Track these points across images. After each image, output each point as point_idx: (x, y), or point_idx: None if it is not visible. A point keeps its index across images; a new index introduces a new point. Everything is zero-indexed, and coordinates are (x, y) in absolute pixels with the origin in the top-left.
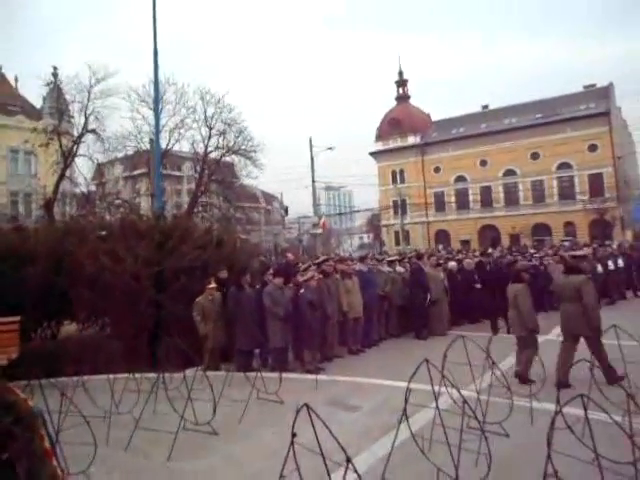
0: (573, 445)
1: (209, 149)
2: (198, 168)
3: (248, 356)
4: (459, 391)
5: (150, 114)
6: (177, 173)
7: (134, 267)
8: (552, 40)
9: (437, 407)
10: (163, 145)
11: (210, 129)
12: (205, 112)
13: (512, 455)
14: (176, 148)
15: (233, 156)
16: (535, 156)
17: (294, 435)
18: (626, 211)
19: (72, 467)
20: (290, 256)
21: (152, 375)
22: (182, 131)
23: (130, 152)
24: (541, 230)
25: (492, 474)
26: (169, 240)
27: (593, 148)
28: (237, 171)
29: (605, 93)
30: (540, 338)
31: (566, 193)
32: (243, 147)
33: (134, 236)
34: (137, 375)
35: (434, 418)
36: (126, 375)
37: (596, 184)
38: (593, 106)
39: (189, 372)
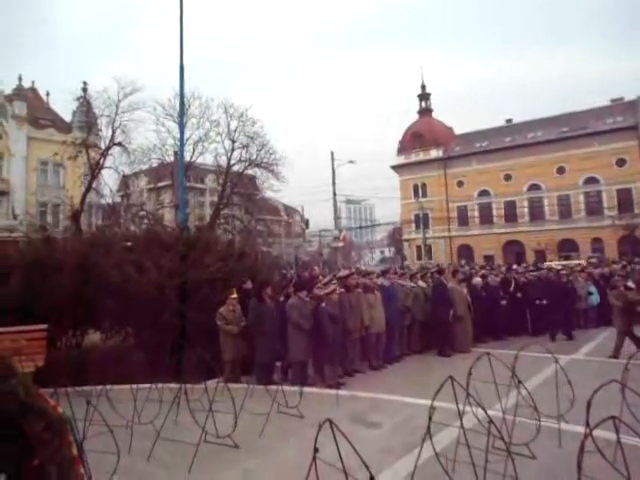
0: (604, 470)
1: (232, 162)
2: (221, 180)
3: (268, 369)
4: (485, 410)
5: (175, 127)
6: (200, 185)
7: (158, 278)
8: (579, 53)
9: (462, 426)
10: (187, 158)
11: (233, 142)
12: (228, 125)
13: (539, 478)
14: (200, 161)
15: (255, 169)
16: (561, 170)
17: (316, 450)
18: None
19: (95, 475)
20: (316, 269)
21: (174, 386)
22: (206, 144)
23: (154, 164)
24: (567, 246)
25: None
26: (192, 251)
27: (621, 163)
28: (259, 184)
29: (633, 106)
30: (567, 357)
31: (593, 208)
32: (265, 160)
33: (158, 247)
34: (159, 385)
35: (458, 437)
36: (148, 385)
37: (625, 199)
38: (621, 120)
39: (210, 383)
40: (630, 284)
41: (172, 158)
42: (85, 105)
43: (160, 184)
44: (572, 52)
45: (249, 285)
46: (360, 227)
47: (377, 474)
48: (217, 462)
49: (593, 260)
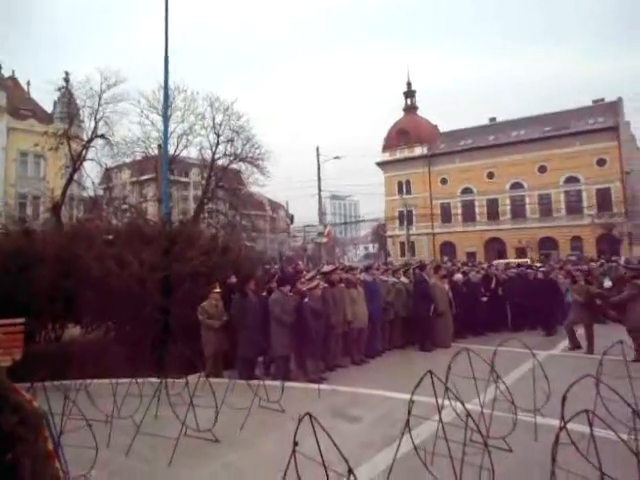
0: (577, 462)
1: (216, 156)
2: (205, 174)
3: (251, 364)
4: (463, 404)
5: (159, 120)
6: (184, 179)
7: (140, 272)
8: (564, 53)
9: (440, 420)
10: (171, 151)
11: (218, 136)
12: (214, 119)
13: (515, 471)
14: (184, 154)
15: (240, 163)
16: (542, 169)
17: (296, 444)
18: (634, 227)
19: (73, 470)
20: (300, 264)
21: (155, 380)
22: (190, 137)
23: (138, 157)
24: (548, 244)
25: None
26: (175, 245)
27: (601, 162)
28: (244, 178)
29: (614, 107)
30: (544, 353)
31: (573, 207)
32: (250, 155)
33: (140, 241)
34: (140, 380)
35: (437, 431)
36: (129, 380)
37: (604, 199)
38: (602, 120)
39: (191, 378)
40: (607, 282)
41: (156, 151)
42: (67, 96)
43: (143, 177)
44: (559, 53)
45: (233, 279)
46: (345, 223)
47: (357, 467)
48: (197, 456)
49: (572, 258)
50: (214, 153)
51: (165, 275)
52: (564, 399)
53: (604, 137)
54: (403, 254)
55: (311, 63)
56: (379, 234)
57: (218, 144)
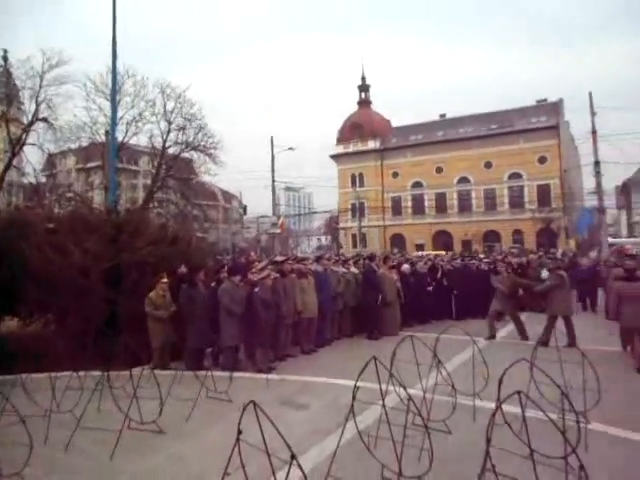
0: (511, 441)
1: (167, 144)
2: (155, 163)
3: (199, 355)
4: (405, 389)
5: (107, 105)
6: (133, 167)
7: (83, 261)
8: (511, 54)
9: (384, 405)
10: (119, 138)
11: (169, 124)
12: (165, 106)
13: (453, 451)
14: (133, 141)
15: (192, 152)
16: (488, 165)
17: (240, 432)
18: (570, 221)
19: (6, 467)
20: (252, 255)
21: (97, 373)
22: (140, 124)
23: (84, 143)
24: (492, 237)
25: (433, 469)
26: (121, 234)
27: (543, 160)
28: (196, 168)
29: (555, 108)
30: (485, 340)
31: (516, 202)
32: (203, 143)
33: (84, 229)
34: (81, 373)
35: (381, 416)
36: (69, 373)
37: (544, 194)
38: (544, 119)
39: (136, 370)
40: (544, 273)
41: (103, 137)
42: (5, 75)
43: (90, 165)
44: (506, 54)
45: (183, 270)
46: (298, 215)
47: (303, 454)
48: (141, 448)
49: (514, 250)
50: (165, 141)
51: (111, 265)
52: (500, 382)
53: (546, 136)
54: (355, 246)
55: (263, 52)
56: (332, 226)
57: (169, 132)
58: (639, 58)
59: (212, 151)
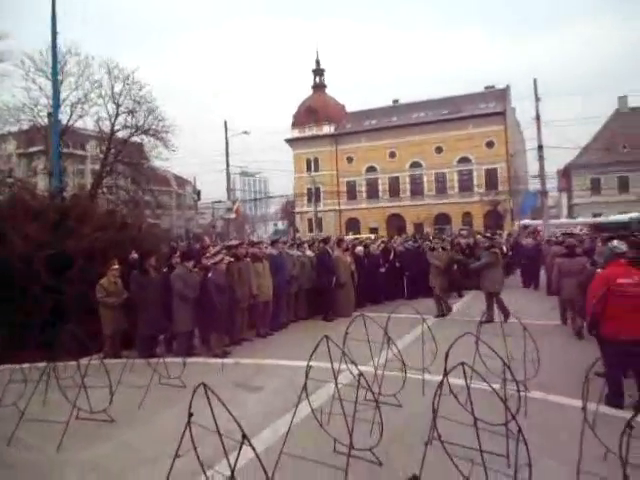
0: (457, 411)
1: (116, 127)
2: (103, 147)
3: (151, 342)
4: (356, 366)
5: (48, 85)
6: (80, 152)
7: (24, 248)
8: (464, 40)
9: (336, 382)
10: (63, 120)
11: (118, 106)
12: (112, 87)
13: (403, 423)
14: (79, 125)
15: (142, 136)
16: (439, 150)
17: (190, 415)
18: (515, 204)
19: None
20: (206, 240)
21: (43, 365)
22: (86, 107)
23: (25, 126)
24: (442, 219)
25: (384, 441)
26: (66, 220)
27: (490, 145)
28: (146, 152)
29: (503, 94)
30: (434, 318)
31: (465, 186)
32: (153, 127)
33: (25, 215)
34: (25, 365)
35: (334, 393)
36: (10, 365)
37: (491, 178)
38: (492, 106)
39: (85, 360)
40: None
41: (46, 120)
42: None
43: (32, 149)
44: (458, 40)
45: (134, 256)
46: (254, 199)
47: (258, 434)
48: (90, 438)
49: (463, 232)
50: (113, 124)
51: (55, 252)
52: (447, 356)
53: (493, 121)
54: (311, 230)
55: (217, 35)
56: (288, 211)
57: (117, 115)
58: (585, 46)
59: (163, 135)
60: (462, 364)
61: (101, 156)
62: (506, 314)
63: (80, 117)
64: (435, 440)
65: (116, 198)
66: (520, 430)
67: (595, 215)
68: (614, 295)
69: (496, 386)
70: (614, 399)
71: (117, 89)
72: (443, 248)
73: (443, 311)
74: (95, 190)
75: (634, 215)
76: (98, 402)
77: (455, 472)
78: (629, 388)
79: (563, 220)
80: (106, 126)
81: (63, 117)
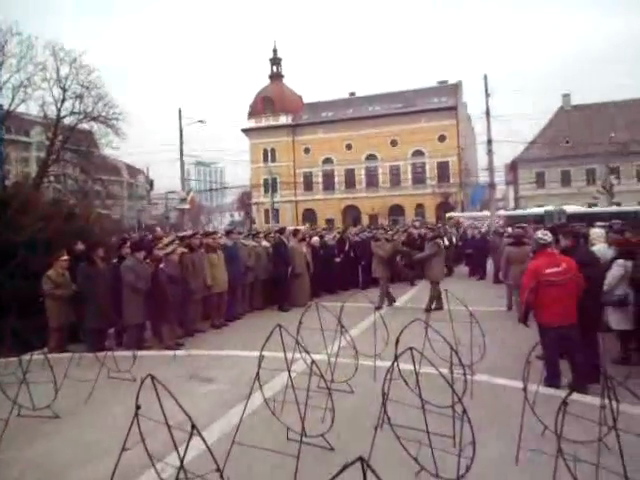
0: (407, 395)
1: (63, 113)
2: (49, 134)
3: (100, 335)
4: (309, 354)
5: None
6: (24, 139)
7: None
8: (420, 31)
9: (289, 371)
10: (4, 105)
11: (64, 91)
12: (58, 71)
13: (355, 408)
14: (22, 109)
15: (92, 123)
16: (394, 143)
17: (138, 407)
18: (466, 196)
19: None
20: (159, 231)
21: None
22: (29, 90)
23: None
24: (396, 211)
25: (335, 426)
26: (6, 211)
27: (442, 138)
28: (96, 140)
29: (454, 89)
30: (386, 306)
31: (418, 178)
32: (103, 114)
33: None
34: None
35: (287, 382)
36: None
37: (443, 171)
38: (444, 100)
39: (29, 355)
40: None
41: None
42: None
43: None
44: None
45: (80, 247)
46: (210, 190)
47: (210, 424)
48: (32, 435)
49: (416, 223)
50: (59, 110)
51: None
52: (397, 342)
53: (445, 116)
54: (268, 221)
55: (171, 20)
56: (244, 202)
57: (64, 100)
58: (533, 43)
59: (114, 122)
60: (410, 349)
61: (47, 143)
62: (440, 303)
63: (23, 101)
64: (385, 424)
65: (63, 187)
66: (465, 411)
67: (539, 207)
68: (543, 285)
69: (444, 370)
70: (552, 380)
71: (63, 73)
72: (387, 239)
73: (387, 302)
74: (40, 179)
75: (549, 208)
76: (42, 398)
77: (404, 454)
78: (566, 371)
79: (478, 213)
80: (52, 112)
81: (4, 101)
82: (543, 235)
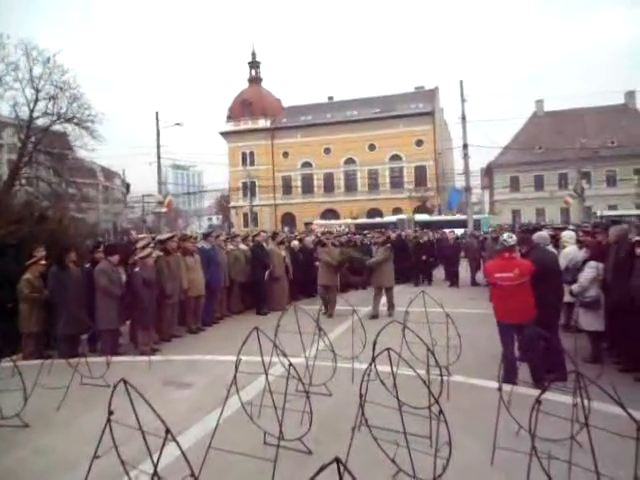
0: (385, 396)
1: (35, 114)
2: (21, 135)
3: (73, 341)
4: (286, 357)
5: None
6: None
7: None
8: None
9: (266, 374)
10: None
11: (37, 91)
12: (31, 71)
13: (333, 411)
14: None
15: (66, 125)
16: (372, 147)
17: (111, 413)
18: (442, 199)
19: None
20: (134, 234)
21: None
22: (0, 91)
23: None
24: (374, 214)
25: (313, 429)
26: None
27: (420, 143)
28: (70, 142)
29: (431, 95)
30: (365, 309)
31: (396, 182)
32: (78, 115)
33: None
34: None
35: (265, 385)
36: None
37: (420, 175)
38: (422, 106)
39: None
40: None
41: None
42: None
43: None
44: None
45: (41, 253)
46: (187, 193)
47: (186, 430)
48: (2, 445)
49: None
50: (32, 111)
51: None
52: (374, 344)
53: (423, 121)
54: (246, 225)
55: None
56: (223, 205)
57: (37, 101)
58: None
59: (89, 124)
60: (387, 350)
61: (19, 145)
62: (392, 307)
63: None
64: (363, 425)
65: (36, 190)
66: (441, 411)
67: (514, 211)
68: (495, 286)
69: (422, 372)
70: (506, 376)
71: (36, 73)
72: (334, 244)
73: (325, 311)
74: (12, 182)
75: (401, 216)
76: (11, 407)
77: (382, 455)
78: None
79: (326, 221)
80: (24, 112)
81: None
82: (508, 238)
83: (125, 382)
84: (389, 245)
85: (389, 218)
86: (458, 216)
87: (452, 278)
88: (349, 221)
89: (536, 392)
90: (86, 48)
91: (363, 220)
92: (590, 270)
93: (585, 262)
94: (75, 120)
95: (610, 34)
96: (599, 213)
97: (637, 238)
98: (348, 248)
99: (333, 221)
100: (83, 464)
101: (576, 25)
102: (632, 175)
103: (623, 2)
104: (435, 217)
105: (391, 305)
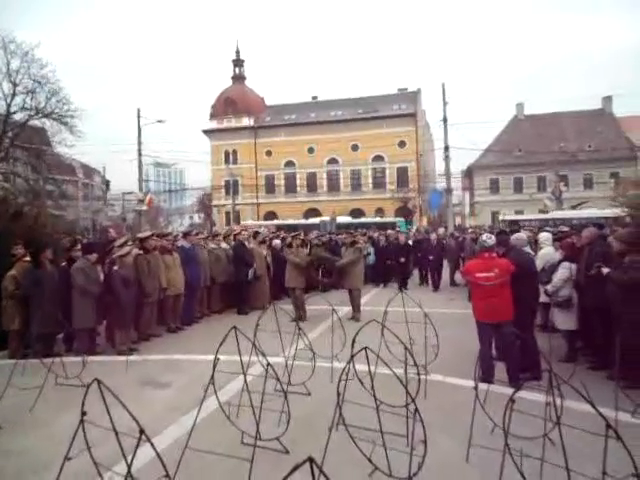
0: (363, 395)
1: (13, 109)
2: None
3: (48, 340)
4: (265, 356)
5: None
6: None
7: None
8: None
9: (244, 374)
10: None
11: (14, 85)
12: (8, 64)
13: (311, 410)
14: None
15: (44, 120)
16: (355, 148)
17: (84, 413)
18: (424, 200)
19: None
20: (112, 232)
21: None
22: None
23: None
24: (357, 214)
25: (291, 429)
26: None
27: (402, 144)
28: (49, 137)
29: (414, 96)
30: (345, 308)
31: (378, 182)
32: (57, 110)
33: None
34: None
35: (243, 385)
36: None
37: (402, 176)
38: (405, 107)
39: None
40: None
41: None
42: None
43: None
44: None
45: (20, 250)
46: (169, 191)
47: (163, 430)
48: None
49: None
50: (9, 105)
51: None
52: (353, 343)
53: (405, 122)
54: (229, 223)
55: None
56: (205, 204)
57: (14, 95)
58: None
59: (68, 119)
60: (365, 349)
61: None
62: (358, 309)
63: None
64: (340, 425)
65: (12, 187)
66: (417, 410)
67: (494, 213)
68: (475, 286)
69: (399, 370)
70: (486, 375)
71: (14, 66)
72: (299, 245)
73: (297, 315)
74: None
75: (324, 218)
76: None
77: (358, 454)
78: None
79: (255, 222)
80: (1, 107)
81: None
82: (487, 238)
83: (99, 382)
84: (359, 246)
85: (313, 220)
86: (386, 219)
87: (434, 281)
88: (276, 222)
89: (511, 391)
90: (66, 42)
91: (281, 222)
92: (563, 271)
93: (560, 262)
94: (54, 115)
95: (593, 40)
96: (501, 217)
97: (615, 245)
98: (318, 248)
99: (262, 222)
100: (56, 466)
101: (562, 30)
102: (607, 178)
103: (607, 9)
104: (356, 219)
105: (356, 307)
